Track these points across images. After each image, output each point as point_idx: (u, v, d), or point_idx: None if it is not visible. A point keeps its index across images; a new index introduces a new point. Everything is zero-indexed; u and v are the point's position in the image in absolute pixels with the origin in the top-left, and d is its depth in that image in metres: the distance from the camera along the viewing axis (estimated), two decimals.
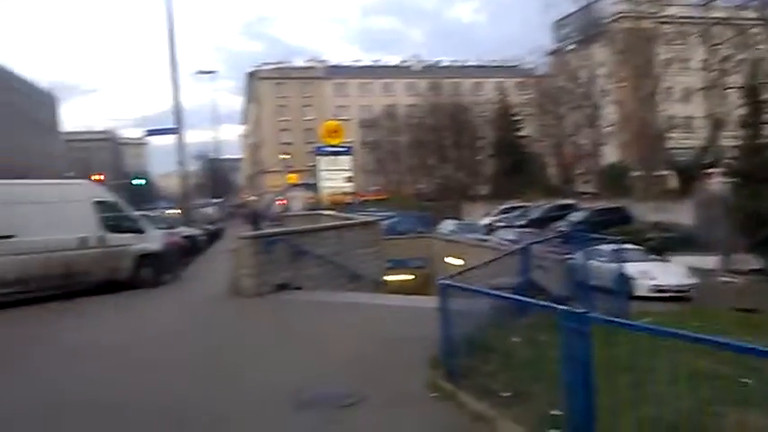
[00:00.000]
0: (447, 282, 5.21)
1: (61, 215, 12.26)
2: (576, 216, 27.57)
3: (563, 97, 44.27)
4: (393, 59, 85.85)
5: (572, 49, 48.00)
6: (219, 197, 76.39)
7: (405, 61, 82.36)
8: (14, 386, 6.27)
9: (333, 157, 20.48)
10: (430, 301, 10.46)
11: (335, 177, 20.83)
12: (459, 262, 22.37)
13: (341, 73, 79.03)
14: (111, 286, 13.16)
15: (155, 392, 5.76)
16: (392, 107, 67.55)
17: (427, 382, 5.38)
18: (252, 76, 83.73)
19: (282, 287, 11.41)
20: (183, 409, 5.14)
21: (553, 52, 50.21)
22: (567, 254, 9.62)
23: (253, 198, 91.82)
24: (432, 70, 75.32)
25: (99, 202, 13.17)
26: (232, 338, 8.21)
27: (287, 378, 5.84)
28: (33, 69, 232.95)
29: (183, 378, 6.27)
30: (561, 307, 3.76)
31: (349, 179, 21.16)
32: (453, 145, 55.04)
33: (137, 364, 6.90)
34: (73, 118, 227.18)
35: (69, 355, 7.70)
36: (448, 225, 30.93)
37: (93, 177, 33.78)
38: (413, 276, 25.50)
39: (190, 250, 19.69)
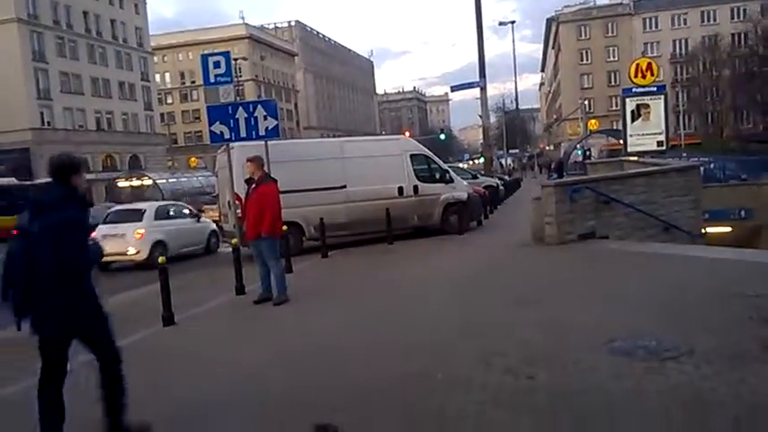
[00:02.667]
0: None
1: (382, 167, 13.74)
2: None
3: None
4: None
5: None
6: (516, 148, 76.89)
7: None
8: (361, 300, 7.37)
9: (642, 99, 18.82)
10: (758, 255, 9.20)
11: (645, 123, 19.19)
12: None
13: (651, 6, 71.68)
14: (422, 232, 14.42)
15: (470, 322, 6.20)
16: (713, 38, 59.13)
17: (763, 342, 4.78)
18: (551, 21, 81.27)
19: (587, 236, 11.10)
20: (495, 340, 5.43)
21: None
22: None
23: (548, 147, 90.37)
24: None
25: (413, 155, 14.38)
26: (537, 282, 8.32)
27: (598, 324, 5.73)
28: (353, 36, 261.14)
29: (496, 311, 6.60)
30: None
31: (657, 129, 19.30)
32: None
33: (455, 298, 7.49)
34: (385, 79, 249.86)
35: (390, 285, 8.76)
36: None
37: (404, 133, 36.78)
38: (730, 229, 22.58)
39: (491, 199, 20.33)
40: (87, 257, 3.82)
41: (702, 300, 6.36)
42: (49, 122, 51.18)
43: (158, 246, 13.94)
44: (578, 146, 53.09)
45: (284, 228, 9.17)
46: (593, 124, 55.72)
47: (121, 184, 43.81)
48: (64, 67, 52.70)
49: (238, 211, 10.93)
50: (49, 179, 3.84)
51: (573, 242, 10.87)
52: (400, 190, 13.89)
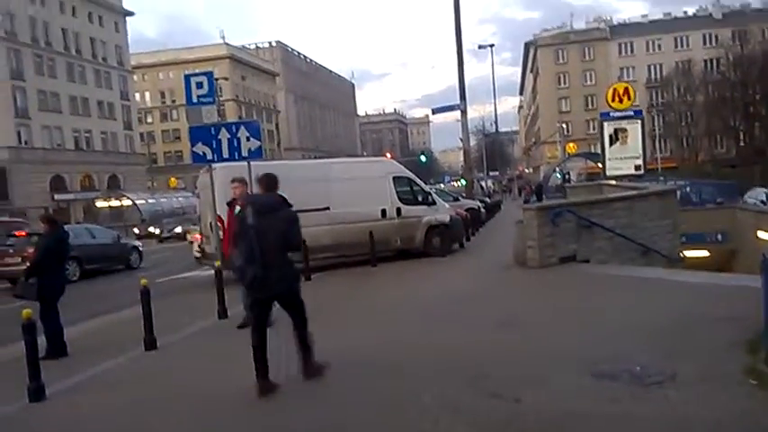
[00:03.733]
0: None
1: (365, 189, 13.77)
2: None
3: None
4: (687, 10, 76.66)
5: None
6: (496, 170, 77.61)
7: (702, 9, 72.96)
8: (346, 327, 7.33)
9: (620, 123, 19.19)
10: (736, 279, 9.36)
11: (622, 147, 19.53)
12: None
13: (627, 32, 73.51)
14: (405, 254, 14.45)
15: (455, 345, 6.20)
16: (686, 63, 60.62)
17: (744, 366, 4.85)
18: (530, 45, 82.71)
19: (569, 259, 11.23)
20: (480, 362, 5.45)
21: None
22: None
23: (527, 170, 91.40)
24: (736, 17, 65.51)
25: (395, 177, 14.44)
26: (520, 304, 8.38)
27: (581, 347, 5.78)
28: (334, 58, 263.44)
29: (480, 333, 6.62)
30: None
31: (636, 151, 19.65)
32: (764, 101, 47.43)
33: (439, 321, 7.51)
34: (366, 101, 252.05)
35: (374, 309, 8.74)
36: (759, 194, 26.90)
37: (385, 155, 37.00)
38: (708, 253, 22.93)
39: (473, 222, 20.45)
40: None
41: (683, 323, 6.44)
42: (26, 141, 50.55)
43: None
44: (557, 169, 53.78)
45: None
46: (571, 148, 56.57)
47: (100, 204, 43.40)
48: (42, 86, 52.20)
49: (221, 232, 10.86)
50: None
51: (554, 265, 10.98)
52: (383, 212, 13.92)
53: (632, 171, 19.79)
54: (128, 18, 64.96)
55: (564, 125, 64.23)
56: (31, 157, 49.98)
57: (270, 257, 5.23)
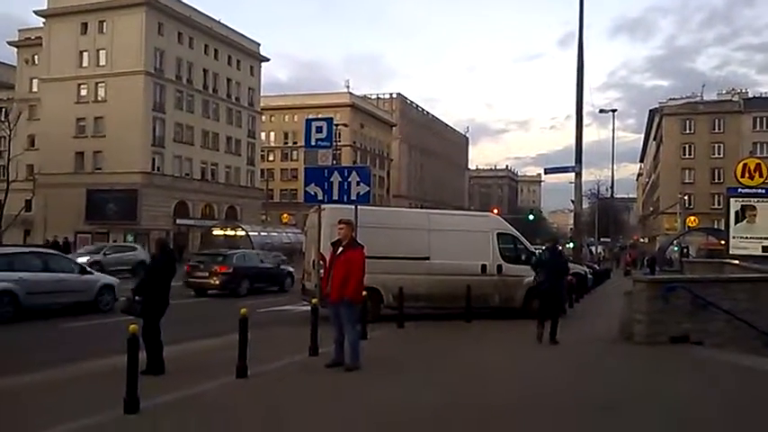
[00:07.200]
0: None
1: (467, 243, 13.65)
2: None
3: None
4: None
5: None
6: (608, 237, 74.35)
7: None
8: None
9: (749, 200, 17.85)
10: None
11: (750, 225, 18.10)
12: None
13: (762, 105, 69.15)
14: (502, 312, 14.04)
15: (542, 419, 5.89)
16: None
17: None
18: (655, 112, 79.87)
19: (680, 339, 10.44)
20: None
21: None
22: None
23: (642, 239, 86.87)
24: None
25: (500, 234, 14.21)
26: (620, 386, 7.85)
27: None
28: (452, 112, 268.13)
29: (571, 412, 6.26)
30: None
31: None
32: None
33: (526, 393, 7.20)
34: (479, 156, 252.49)
35: (463, 368, 8.51)
36: None
37: (492, 210, 36.61)
38: None
39: (578, 288, 19.62)
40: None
41: None
42: (158, 168, 54.78)
43: None
44: (675, 242, 50.74)
45: (363, 293, 9.18)
46: (692, 221, 53.22)
47: (216, 232, 45.92)
48: (179, 119, 56.71)
49: (321, 271, 11.09)
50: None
51: (663, 344, 10.24)
52: (483, 268, 13.69)
53: (759, 252, 18.21)
54: (263, 63, 69.69)
55: (686, 197, 60.73)
56: (161, 182, 54.06)
57: (553, 278, 10.63)
